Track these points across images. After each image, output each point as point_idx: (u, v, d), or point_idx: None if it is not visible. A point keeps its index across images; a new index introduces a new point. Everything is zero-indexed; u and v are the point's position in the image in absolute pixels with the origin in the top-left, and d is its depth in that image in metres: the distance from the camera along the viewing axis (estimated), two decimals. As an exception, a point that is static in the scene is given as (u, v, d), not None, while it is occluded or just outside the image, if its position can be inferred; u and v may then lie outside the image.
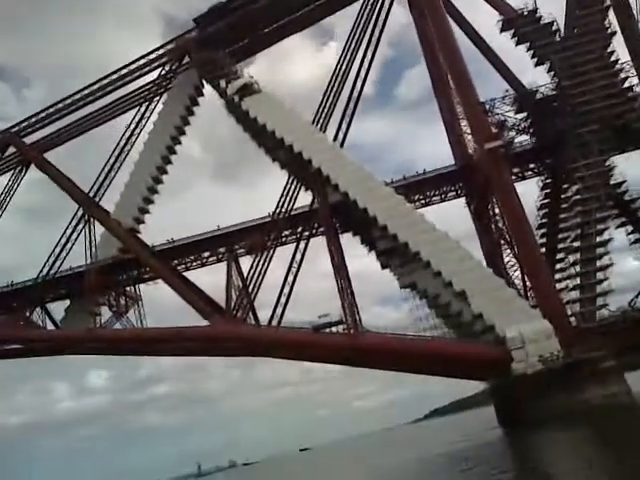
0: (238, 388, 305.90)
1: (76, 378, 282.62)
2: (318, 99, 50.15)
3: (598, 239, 43.07)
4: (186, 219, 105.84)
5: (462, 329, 44.71)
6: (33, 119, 57.05)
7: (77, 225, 53.43)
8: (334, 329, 45.95)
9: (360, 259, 47.21)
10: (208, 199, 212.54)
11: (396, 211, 45.11)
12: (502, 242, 51.48)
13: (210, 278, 61.72)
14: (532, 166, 53.20)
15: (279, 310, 46.89)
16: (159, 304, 66.66)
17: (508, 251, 50.71)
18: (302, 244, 48.96)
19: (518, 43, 50.22)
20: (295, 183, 49.34)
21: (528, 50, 49.86)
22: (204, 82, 54.33)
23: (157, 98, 54.73)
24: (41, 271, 53.60)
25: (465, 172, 52.44)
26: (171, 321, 52.91)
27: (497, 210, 50.61)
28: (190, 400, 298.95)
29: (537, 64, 49.92)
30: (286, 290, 47.25)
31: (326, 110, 49.62)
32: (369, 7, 50.77)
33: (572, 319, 42.28)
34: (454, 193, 54.53)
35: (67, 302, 55.17)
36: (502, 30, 50.65)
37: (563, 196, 49.71)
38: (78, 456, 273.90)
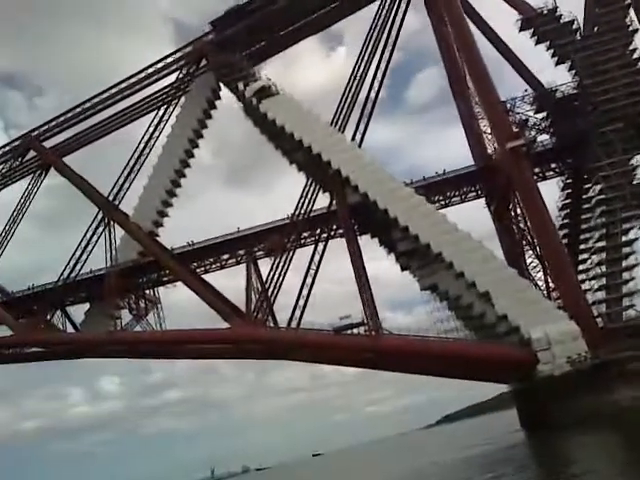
0: (252, 393, 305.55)
1: (89, 383, 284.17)
2: (329, 102, 50.04)
3: (624, 238, 42.55)
4: (200, 223, 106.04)
5: (484, 331, 44.20)
6: (53, 123, 57.45)
7: (97, 228, 53.62)
8: (355, 331, 45.68)
9: (368, 264, 46.96)
10: (221, 202, 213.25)
11: (417, 212, 44.72)
12: (524, 243, 50.96)
13: (227, 282, 61.79)
14: (553, 166, 52.67)
15: (297, 313, 46.64)
16: (177, 308, 66.61)
17: (530, 252, 50.18)
18: (320, 246, 48.74)
19: (538, 42, 49.67)
20: (313, 185, 49.21)
21: (548, 49, 49.34)
22: (221, 85, 54.42)
23: (175, 101, 54.75)
24: (61, 274, 53.76)
25: (485, 172, 52.01)
26: (189, 325, 53.05)
27: (519, 210, 50.18)
28: (203, 405, 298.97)
29: (557, 63, 49.38)
30: (304, 292, 47.05)
31: (344, 112, 49.47)
32: (386, 9, 50.67)
33: (598, 320, 41.72)
34: (474, 194, 54.12)
35: (87, 305, 55.40)
36: (521, 29, 50.15)
37: (584, 196, 49.16)
38: (91, 461, 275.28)
